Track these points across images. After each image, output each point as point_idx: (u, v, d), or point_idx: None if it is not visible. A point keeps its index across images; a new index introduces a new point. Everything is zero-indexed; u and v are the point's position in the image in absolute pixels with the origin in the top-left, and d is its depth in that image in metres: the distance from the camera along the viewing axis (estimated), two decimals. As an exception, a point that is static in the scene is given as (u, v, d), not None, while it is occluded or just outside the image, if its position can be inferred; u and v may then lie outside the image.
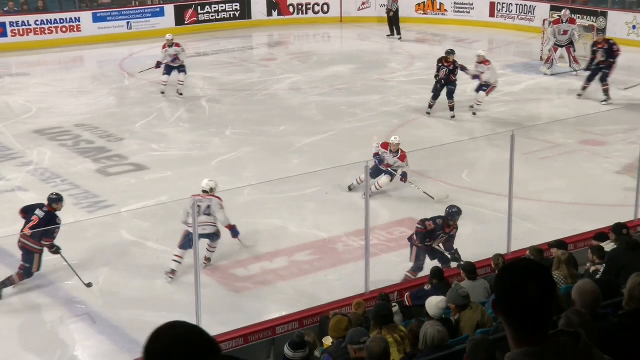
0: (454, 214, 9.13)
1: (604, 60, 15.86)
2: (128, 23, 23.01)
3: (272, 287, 9.28)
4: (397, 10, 22.90)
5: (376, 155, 11.32)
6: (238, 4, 24.68)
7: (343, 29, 24.79)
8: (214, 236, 9.37)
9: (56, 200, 9.09)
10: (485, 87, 15.33)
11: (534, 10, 22.69)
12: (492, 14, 23.86)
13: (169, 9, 23.74)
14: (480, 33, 22.56)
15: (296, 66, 19.97)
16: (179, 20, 23.81)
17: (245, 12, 24.68)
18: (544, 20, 20.08)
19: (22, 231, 8.82)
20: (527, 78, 17.83)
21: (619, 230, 7.51)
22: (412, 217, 10.84)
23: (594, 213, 10.44)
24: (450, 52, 14.94)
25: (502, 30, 23.19)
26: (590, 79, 16.16)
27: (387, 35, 22.86)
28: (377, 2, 24.27)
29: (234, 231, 9.43)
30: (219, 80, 18.61)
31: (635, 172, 9.92)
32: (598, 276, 6.60)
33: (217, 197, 9.28)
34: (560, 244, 7.83)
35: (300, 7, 25.12)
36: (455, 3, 24.52)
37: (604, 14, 20.93)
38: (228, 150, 13.63)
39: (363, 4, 24.80)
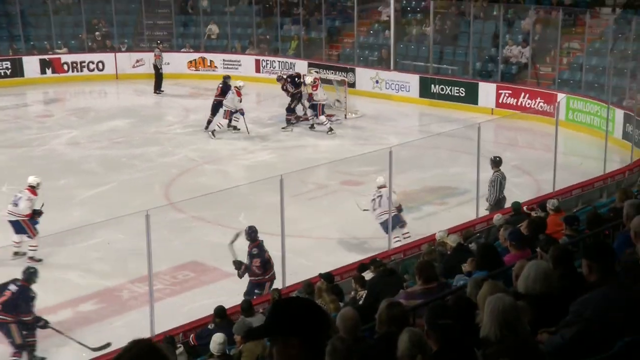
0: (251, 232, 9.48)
1: (294, 92, 18.31)
2: None
3: (57, 340, 8.73)
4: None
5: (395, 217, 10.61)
6: (9, 62, 23.26)
7: (119, 85, 24.20)
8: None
9: (33, 273, 8.41)
10: (242, 112, 17.36)
11: (294, 66, 23.65)
12: (257, 70, 24.55)
13: None
14: (249, 87, 23.04)
15: (74, 122, 19.16)
16: (-57, 78, 21.98)
17: (17, 70, 23.29)
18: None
19: None
20: (293, 127, 18.42)
21: (373, 262, 8.02)
22: (195, 260, 10.76)
23: (356, 246, 11.00)
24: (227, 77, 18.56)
25: (267, 84, 23.84)
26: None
27: (156, 92, 22.57)
28: (150, 60, 23.93)
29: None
30: (-8, 137, 17.38)
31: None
32: (361, 302, 6.93)
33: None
34: (328, 276, 8.12)
35: (74, 64, 24.13)
36: (224, 60, 24.92)
37: (352, 70, 22.34)
38: (4, 206, 12.69)
39: (137, 61, 24.44)
